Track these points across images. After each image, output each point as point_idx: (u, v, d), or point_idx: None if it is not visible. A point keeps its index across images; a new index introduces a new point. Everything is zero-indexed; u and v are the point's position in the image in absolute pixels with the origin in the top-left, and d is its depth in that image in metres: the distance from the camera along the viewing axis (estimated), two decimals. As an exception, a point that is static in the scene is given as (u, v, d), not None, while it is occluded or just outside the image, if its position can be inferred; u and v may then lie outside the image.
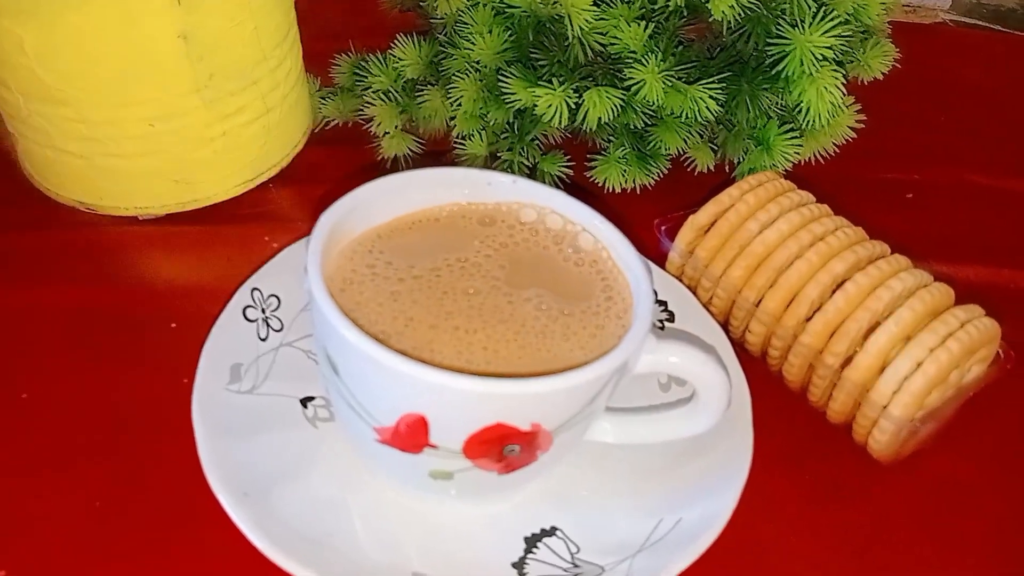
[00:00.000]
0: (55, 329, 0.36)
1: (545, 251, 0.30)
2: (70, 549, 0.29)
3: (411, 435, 0.25)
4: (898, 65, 0.44)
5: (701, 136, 0.43)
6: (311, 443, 0.30)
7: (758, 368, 0.34)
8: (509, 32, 0.40)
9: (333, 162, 0.44)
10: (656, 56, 0.38)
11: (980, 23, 0.67)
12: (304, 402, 0.31)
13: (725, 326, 0.35)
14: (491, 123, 0.42)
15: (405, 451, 0.26)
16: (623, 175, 0.43)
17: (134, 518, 0.30)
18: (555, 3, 0.38)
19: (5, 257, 0.38)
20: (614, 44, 0.38)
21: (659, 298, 0.35)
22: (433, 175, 0.31)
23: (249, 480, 0.27)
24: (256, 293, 0.33)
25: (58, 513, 0.29)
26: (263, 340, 0.32)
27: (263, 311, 0.33)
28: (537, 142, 0.43)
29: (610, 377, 0.25)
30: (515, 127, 0.43)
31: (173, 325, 0.36)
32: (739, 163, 0.43)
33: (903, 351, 0.29)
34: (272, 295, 0.33)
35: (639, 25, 0.38)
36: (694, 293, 0.35)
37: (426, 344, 0.26)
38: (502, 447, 0.25)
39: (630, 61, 0.38)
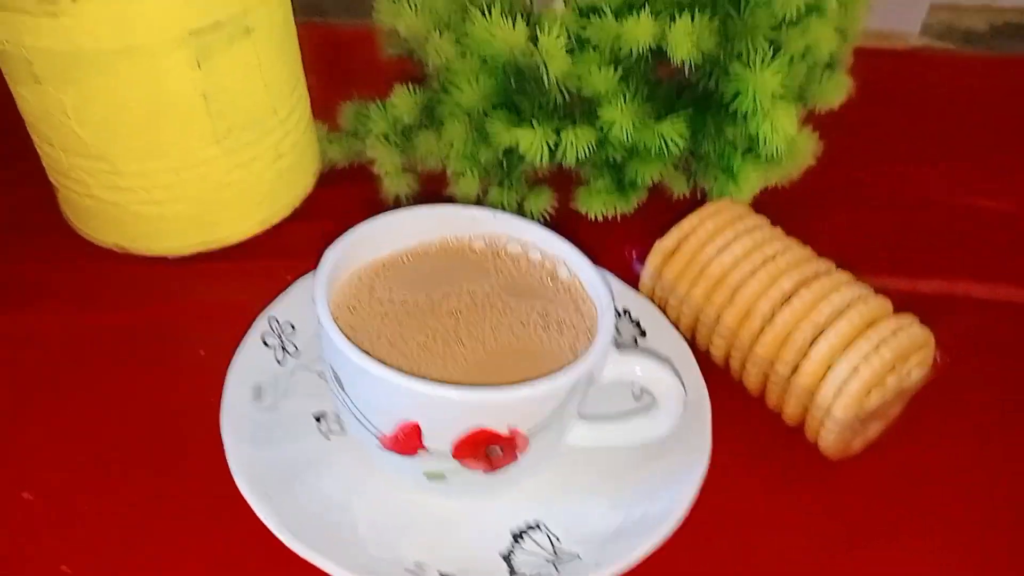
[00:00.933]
0: (98, 354, 0.40)
1: (527, 279, 0.34)
2: (118, 542, 0.33)
3: (407, 440, 0.29)
4: (860, 96, 0.48)
5: (675, 166, 0.47)
6: (323, 452, 0.34)
7: (722, 377, 0.38)
8: (493, 79, 0.44)
9: (340, 200, 0.49)
10: (625, 97, 0.42)
11: (950, 47, 0.71)
12: (317, 417, 0.35)
13: (692, 340, 0.39)
14: (481, 161, 0.46)
15: (403, 454, 0.30)
16: (604, 204, 0.47)
17: (171, 516, 0.34)
18: (533, 53, 0.42)
19: (48, 293, 0.43)
20: (587, 88, 0.43)
21: (632, 317, 0.39)
22: (425, 212, 0.35)
23: (271, 483, 0.31)
24: (273, 322, 0.37)
25: (107, 511, 0.34)
26: (280, 363, 0.36)
27: (280, 337, 0.37)
28: (525, 176, 0.47)
29: (575, 385, 0.29)
30: (503, 164, 0.47)
31: (202, 352, 0.40)
32: (710, 190, 0.47)
33: (841, 357, 0.33)
34: (288, 322, 0.37)
35: (609, 69, 0.42)
36: (663, 311, 0.39)
37: (417, 360, 0.30)
38: (486, 448, 0.29)
39: (602, 103, 0.42)
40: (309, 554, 0.29)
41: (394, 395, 0.28)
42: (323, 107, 0.50)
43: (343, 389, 0.30)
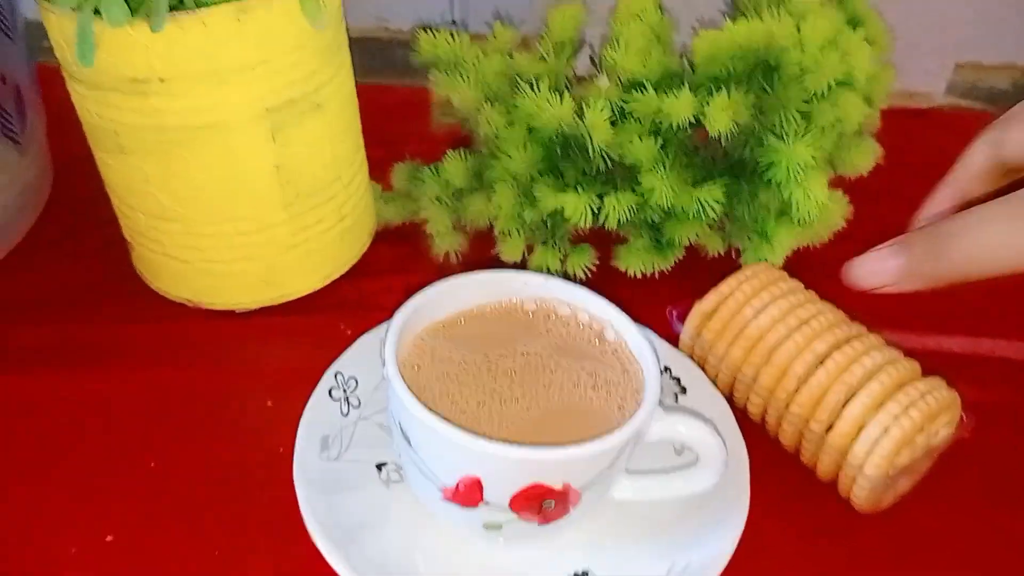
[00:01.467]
0: (168, 407, 0.43)
1: (577, 341, 0.37)
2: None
3: (468, 493, 0.32)
4: (887, 157, 0.51)
5: (711, 227, 0.50)
6: (385, 501, 0.37)
7: (759, 433, 0.40)
8: (540, 147, 0.47)
9: (395, 258, 0.52)
10: (665, 165, 0.45)
11: (975, 105, 0.73)
12: (379, 467, 0.38)
13: (730, 397, 0.41)
14: (527, 222, 0.49)
15: (464, 506, 0.32)
16: (643, 262, 0.49)
17: (245, 562, 0.36)
18: (578, 125, 0.45)
19: (123, 346, 0.46)
20: (629, 156, 0.45)
21: (673, 374, 0.42)
22: (481, 278, 0.38)
23: (339, 531, 0.34)
24: (339, 376, 0.40)
25: (187, 560, 0.36)
26: (344, 415, 0.39)
27: (344, 391, 0.40)
28: (568, 235, 0.50)
29: (625, 444, 0.32)
30: (548, 224, 0.50)
31: (269, 403, 0.43)
32: (744, 250, 0.49)
33: (873, 418, 0.35)
34: (351, 377, 0.40)
35: (650, 139, 0.45)
36: (702, 369, 0.41)
37: (476, 417, 0.33)
38: (541, 502, 0.32)
39: (643, 171, 0.45)
40: (377, 598, 0.31)
41: (459, 452, 0.31)
42: (377, 166, 0.53)
43: (410, 444, 0.33)
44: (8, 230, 0.51)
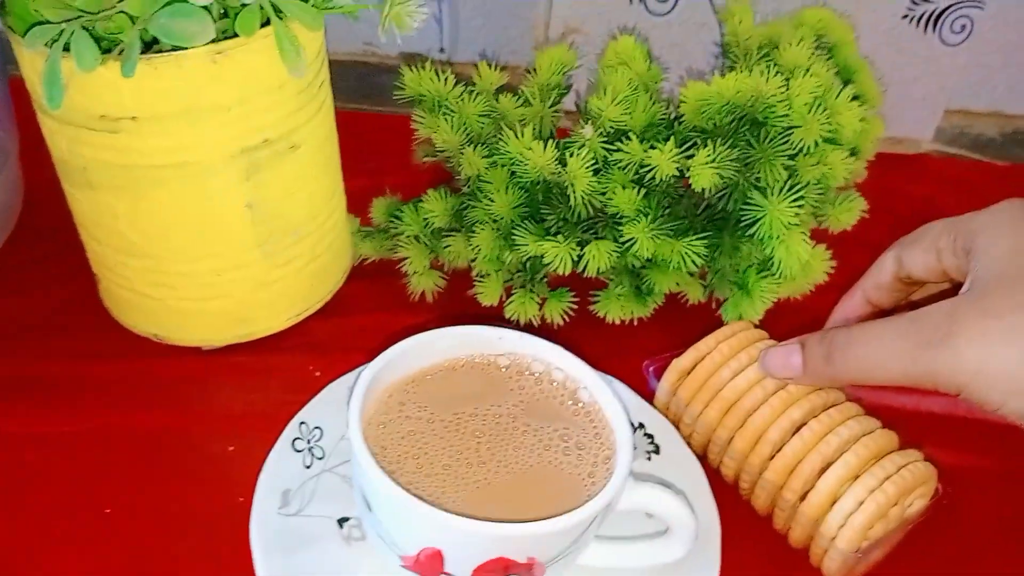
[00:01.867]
0: (130, 449, 0.42)
1: (549, 400, 0.36)
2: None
3: (429, 564, 0.31)
4: (871, 206, 0.50)
5: (691, 275, 0.49)
6: (345, 561, 0.35)
7: (732, 494, 0.40)
8: (522, 191, 0.47)
9: (369, 296, 0.51)
10: (647, 217, 0.44)
11: (962, 153, 0.73)
12: (340, 522, 0.37)
13: (703, 457, 0.40)
14: (506, 263, 0.48)
15: (425, 576, 0.31)
16: (622, 309, 0.48)
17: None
18: (561, 174, 0.44)
19: (86, 383, 0.45)
20: (611, 205, 0.45)
21: (647, 431, 0.41)
22: (454, 332, 0.37)
23: (296, 594, 0.33)
24: (303, 426, 0.39)
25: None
26: (308, 468, 0.38)
27: (308, 442, 0.39)
28: (546, 279, 0.49)
29: (594, 517, 0.31)
30: (527, 266, 0.49)
31: (231, 448, 0.42)
32: (724, 301, 0.48)
33: (848, 490, 0.35)
34: (316, 427, 0.39)
35: (632, 189, 0.44)
36: (676, 428, 0.41)
37: (442, 481, 0.32)
38: (504, 575, 0.31)
39: (625, 220, 0.44)
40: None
41: (420, 522, 0.30)
42: (353, 196, 0.51)
43: (370, 510, 0.32)
44: (-26, 255, 0.50)
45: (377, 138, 0.63)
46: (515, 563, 0.30)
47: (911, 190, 0.65)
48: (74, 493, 0.40)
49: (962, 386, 0.30)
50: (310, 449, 0.38)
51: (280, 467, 0.37)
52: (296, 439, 0.38)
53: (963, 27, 0.63)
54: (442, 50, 0.69)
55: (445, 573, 0.31)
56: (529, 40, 0.66)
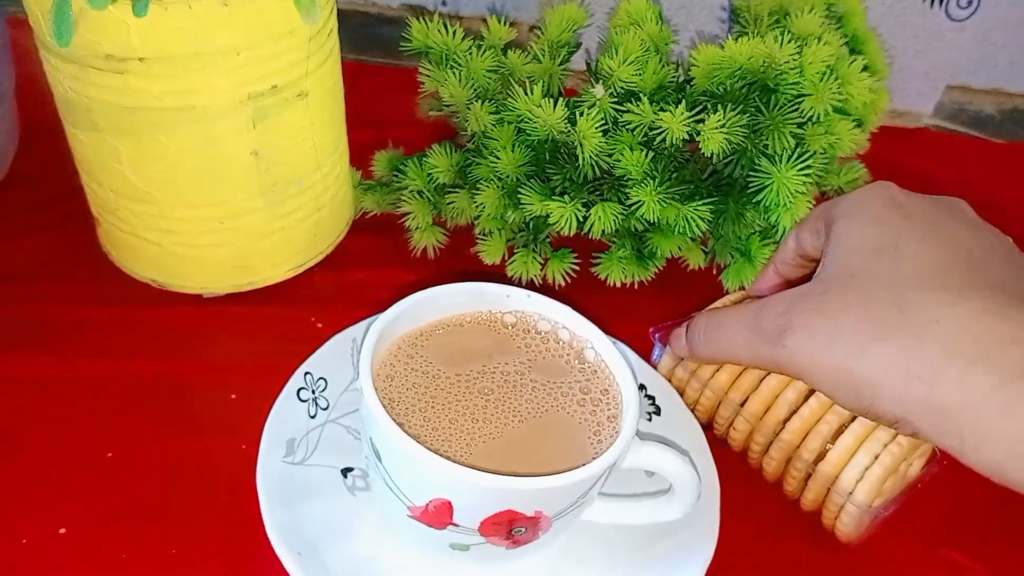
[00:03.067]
0: (130, 395, 0.42)
1: (554, 358, 0.36)
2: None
3: (438, 515, 0.31)
4: (870, 178, 0.50)
5: (693, 240, 0.49)
6: (350, 510, 0.36)
7: (736, 461, 0.40)
8: (529, 149, 0.46)
9: (369, 250, 0.51)
10: (654, 180, 0.44)
11: (960, 129, 0.73)
12: (344, 472, 0.37)
13: (709, 423, 0.41)
14: (510, 223, 0.48)
15: (431, 527, 0.32)
16: (623, 272, 0.49)
17: (203, 562, 0.35)
18: (570, 133, 0.44)
19: (84, 328, 0.45)
20: (618, 167, 0.45)
21: (648, 392, 0.41)
22: (462, 288, 0.37)
23: (301, 541, 0.33)
24: (308, 376, 0.39)
25: (142, 557, 0.35)
26: (312, 417, 0.38)
27: (312, 392, 0.39)
28: (549, 239, 0.49)
29: (600, 475, 0.31)
30: (530, 226, 0.49)
31: (233, 396, 0.42)
32: (725, 267, 0.49)
33: (863, 446, 0.36)
34: (321, 378, 0.39)
35: (640, 152, 0.44)
36: (681, 393, 0.41)
37: (447, 434, 0.32)
38: (511, 528, 0.31)
39: (632, 183, 0.44)
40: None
41: (430, 474, 0.30)
42: (355, 149, 0.51)
43: (380, 460, 0.32)
44: (-31, 194, 0.49)
45: (378, 90, 0.62)
46: (522, 516, 0.31)
47: (911, 164, 0.65)
48: (74, 437, 0.40)
49: (798, 376, 0.30)
50: (315, 399, 0.38)
51: (285, 416, 0.37)
52: (301, 389, 0.38)
53: (970, 2, 0.63)
54: (444, 3, 0.68)
55: (453, 524, 0.31)
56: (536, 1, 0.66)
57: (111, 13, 0.34)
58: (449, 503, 0.30)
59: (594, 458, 0.31)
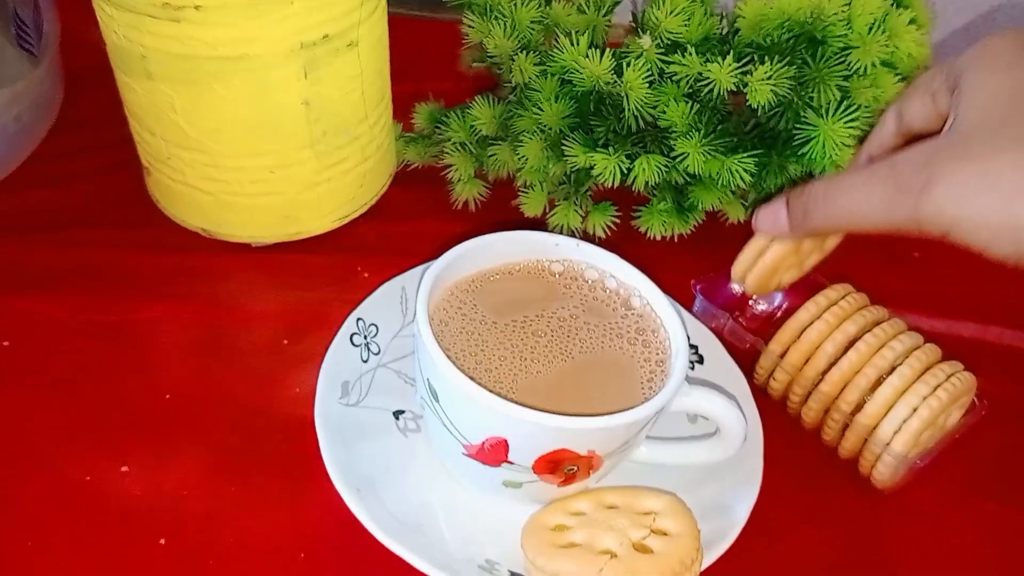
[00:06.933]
0: (185, 340, 0.43)
1: (604, 306, 0.37)
2: (213, 521, 0.36)
3: (493, 453, 0.32)
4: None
5: (734, 194, 0.49)
6: (402, 450, 0.37)
7: (776, 411, 0.41)
8: (572, 101, 0.47)
9: (413, 201, 0.51)
10: (699, 132, 0.44)
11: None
12: (396, 414, 0.38)
13: (747, 373, 0.41)
14: (551, 175, 0.49)
15: (486, 464, 0.33)
16: (664, 225, 0.49)
17: (262, 498, 0.37)
18: (615, 84, 0.44)
19: (135, 274, 0.46)
20: (663, 119, 0.45)
21: (691, 342, 0.42)
22: (513, 236, 0.38)
23: (359, 478, 0.34)
24: (360, 322, 0.40)
25: (202, 494, 0.37)
26: (364, 362, 0.39)
27: (365, 337, 0.39)
28: (590, 192, 0.50)
29: (652, 416, 0.32)
30: (571, 179, 0.49)
31: (285, 342, 0.43)
32: (766, 221, 0.49)
33: (902, 399, 0.36)
34: (372, 324, 0.40)
35: (686, 103, 0.44)
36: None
37: (499, 372, 0.33)
38: (563, 466, 0.32)
39: (676, 135, 0.45)
40: (397, 548, 0.32)
41: (490, 415, 0.31)
42: (396, 102, 0.51)
43: (436, 400, 0.33)
44: (21, 142, 0.50)
45: (417, 44, 0.62)
46: (576, 455, 0.31)
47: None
48: (132, 379, 0.41)
49: (945, 230, 0.28)
50: (367, 344, 0.39)
51: (339, 359, 0.38)
52: (354, 334, 0.39)
53: (1014, -44, 0.62)
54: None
55: (508, 462, 0.32)
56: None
57: (169, -40, 0.35)
58: (505, 441, 0.31)
59: (645, 398, 0.32)
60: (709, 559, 0.33)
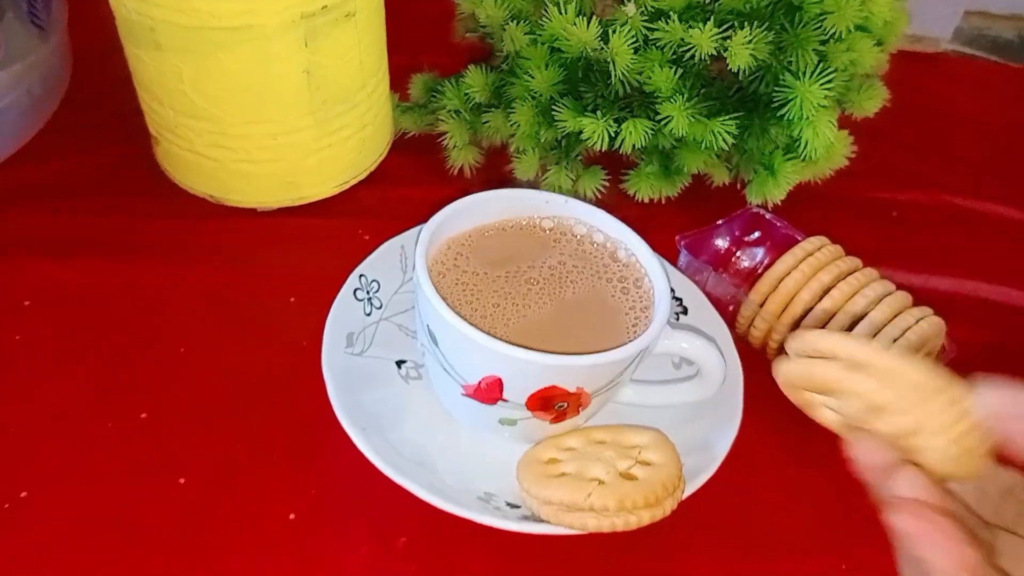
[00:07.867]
0: (197, 299, 0.45)
1: (592, 258, 0.39)
2: (229, 461, 0.38)
3: (489, 391, 0.34)
4: (890, 99, 0.53)
5: (718, 157, 0.52)
6: (405, 396, 0.39)
7: (757, 357, 0.43)
8: (562, 68, 0.49)
9: (410, 168, 0.53)
10: (683, 96, 0.46)
11: (979, 53, 0.75)
12: (399, 364, 0.41)
13: (730, 325, 0.44)
14: (543, 141, 0.51)
15: (483, 403, 0.35)
16: (651, 187, 0.51)
17: (276, 443, 0.39)
18: (602, 50, 0.46)
19: (145, 239, 0.48)
20: (649, 84, 0.47)
21: (676, 294, 0.44)
22: (507, 194, 0.40)
23: (364, 419, 0.36)
24: (362, 278, 0.42)
25: (219, 435, 0.39)
26: (368, 315, 0.41)
27: (367, 292, 0.42)
28: (580, 157, 0.52)
29: (637, 355, 0.34)
30: (562, 144, 0.51)
31: (292, 299, 0.45)
32: (749, 182, 0.51)
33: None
34: (374, 280, 0.42)
35: (670, 69, 0.46)
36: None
37: (494, 317, 0.35)
38: (554, 403, 0.35)
39: (661, 99, 0.47)
40: (402, 480, 0.34)
41: (485, 355, 0.33)
42: (392, 73, 0.53)
43: (436, 344, 0.35)
44: (32, 115, 0.52)
45: (412, 15, 0.64)
46: (565, 391, 0.34)
47: (930, 87, 0.67)
48: (147, 335, 0.43)
49: None
50: (369, 299, 0.42)
51: (344, 312, 0.40)
52: (357, 289, 0.41)
53: (991, -76, 0.64)
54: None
55: (503, 399, 0.34)
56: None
57: (177, -66, 0.37)
58: (500, 380, 0.34)
59: (631, 339, 0.34)
60: (691, 488, 0.35)
